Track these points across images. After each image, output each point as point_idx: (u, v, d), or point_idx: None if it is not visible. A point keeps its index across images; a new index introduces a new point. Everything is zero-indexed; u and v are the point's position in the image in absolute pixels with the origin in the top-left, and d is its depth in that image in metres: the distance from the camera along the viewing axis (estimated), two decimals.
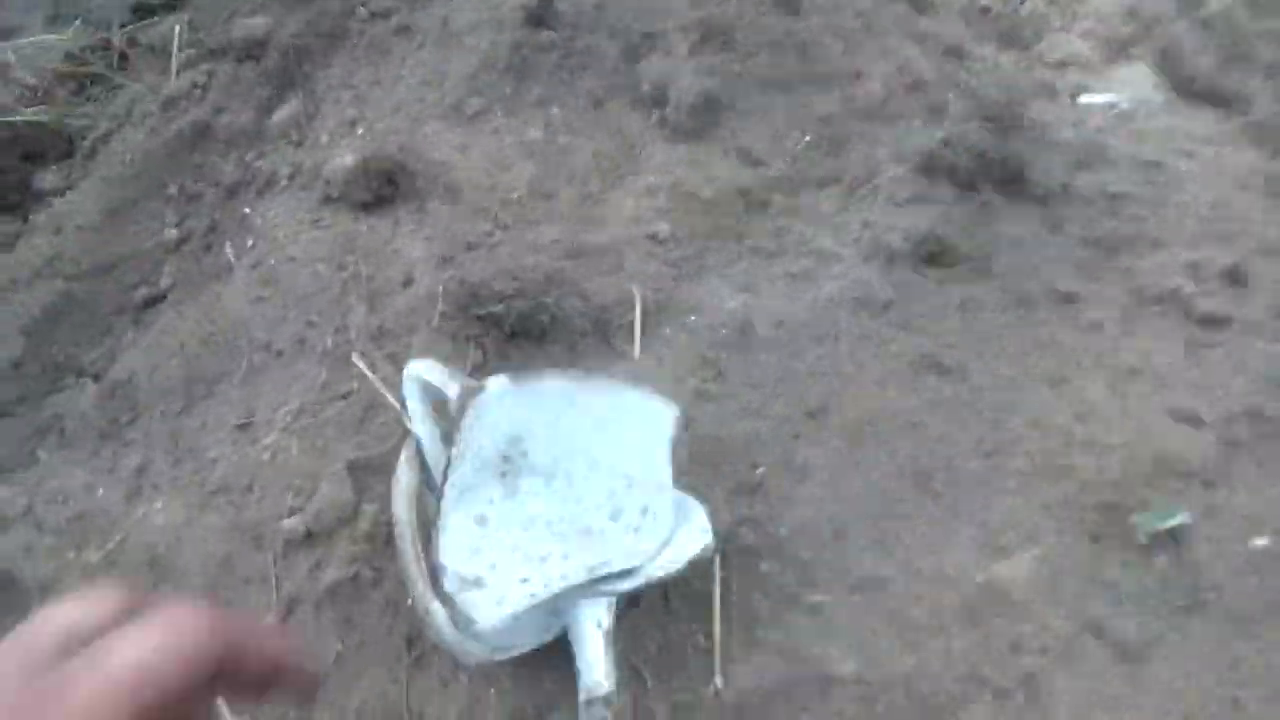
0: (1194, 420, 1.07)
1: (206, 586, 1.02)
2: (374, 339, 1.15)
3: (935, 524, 0.99)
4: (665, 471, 0.91)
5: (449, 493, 0.87)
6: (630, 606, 0.94)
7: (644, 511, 0.92)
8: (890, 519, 0.99)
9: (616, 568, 0.86)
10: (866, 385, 1.10)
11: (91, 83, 2.28)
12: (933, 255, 1.29)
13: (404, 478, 0.85)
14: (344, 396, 1.11)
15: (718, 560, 0.96)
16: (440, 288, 1.15)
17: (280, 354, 1.19)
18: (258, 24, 1.96)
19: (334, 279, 1.29)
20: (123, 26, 2.37)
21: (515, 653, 0.88)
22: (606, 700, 0.83)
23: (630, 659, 0.92)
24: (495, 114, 1.53)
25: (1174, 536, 0.98)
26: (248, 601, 1.00)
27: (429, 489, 0.88)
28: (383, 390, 1.07)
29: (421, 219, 1.38)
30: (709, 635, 0.93)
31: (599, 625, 0.85)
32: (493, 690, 0.92)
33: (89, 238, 1.77)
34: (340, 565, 0.98)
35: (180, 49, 2.13)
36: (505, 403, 0.89)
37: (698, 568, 0.89)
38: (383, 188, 1.41)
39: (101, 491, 1.11)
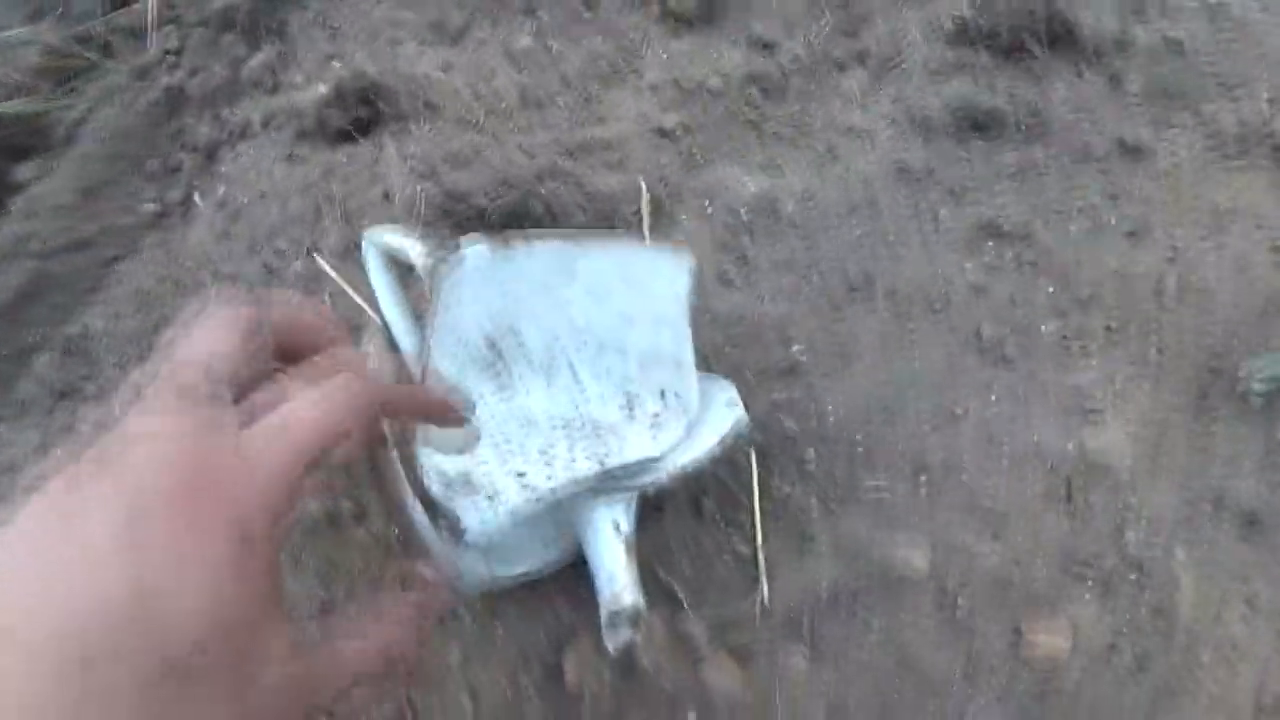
0: None
1: None
2: (344, 257, 1.02)
3: (1009, 394, 0.83)
4: (685, 344, 0.77)
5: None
6: (654, 511, 0.79)
7: (662, 396, 0.77)
8: (955, 392, 0.84)
9: (633, 458, 0.72)
10: (914, 256, 0.95)
11: (75, 75, 2.19)
12: (977, 124, 1.13)
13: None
14: None
15: (754, 454, 0.81)
16: (420, 195, 1.02)
17: (249, 286, 1.07)
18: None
19: (307, 208, 1.16)
20: (104, 15, 2.28)
21: (520, 573, 0.74)
22: (632, 616, 0.68)
23: (661, 577, 0.78)
24: (480, 26, 1.39)
25: None
26: None
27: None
28: (349, 290, 0.94)
29: (404, 140, 1.25)
30: (750, 540, 0.79)
31: (618, 530, 0.70)
32: (499, 626, 0.78)
33: (64, 217, 1.67)
34: (316, 501, 0.84)
35: (158, 25, 2.04)
36: (488, 276, 0.74)
37: (730, 452, 0.74)
38: (360, 112, 1.29)
39: (59, 451, 0.98)
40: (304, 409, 0.37)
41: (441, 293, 0.72)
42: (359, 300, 0.94)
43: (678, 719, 0.73)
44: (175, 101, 1.76)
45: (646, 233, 1.00)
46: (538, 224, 0.98)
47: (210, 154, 1.61)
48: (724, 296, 0.93)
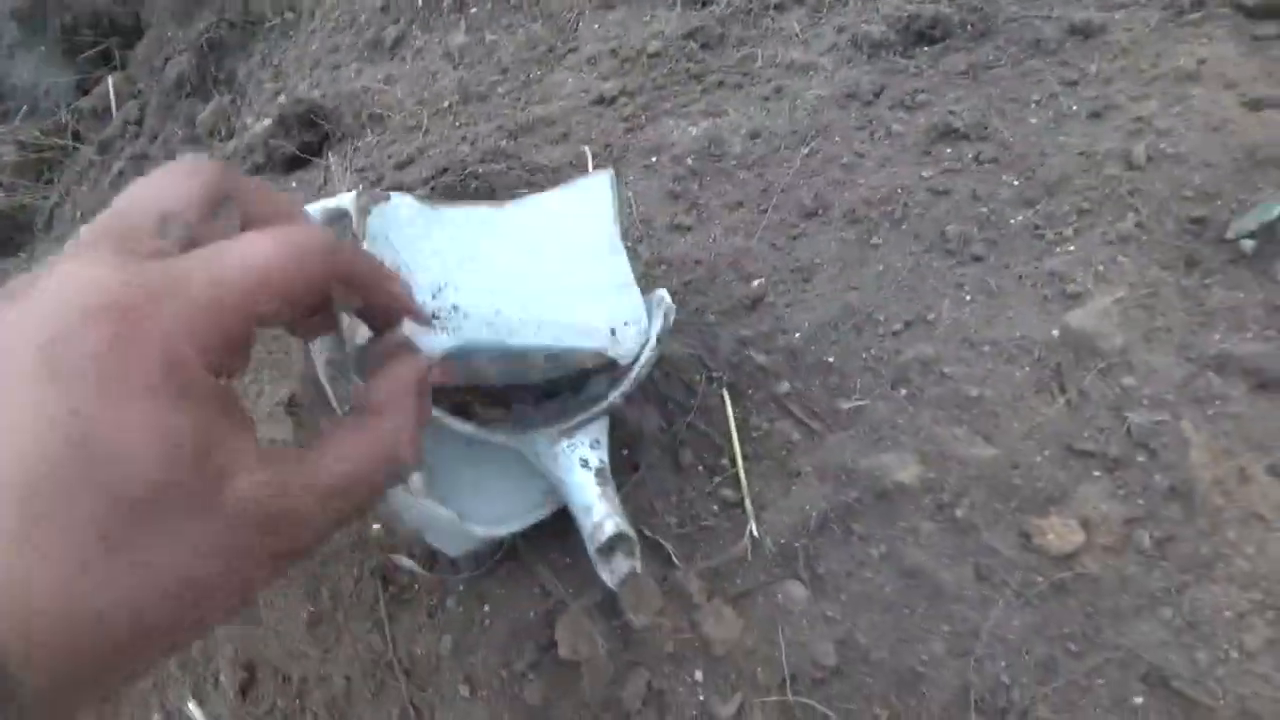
0: (1278, 104, 0.86)
1: None
2: None
3: (983, 290, 0.79)
4: (622, 264, 0.73)
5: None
6: (632, 472, 0.75)
7: (613, 333, 0.74)
8: (925, 296, 0.79)
9: (586, 344, 0.69)
10: (871, 171, 0.91)
11: (51, 166, 2.22)
12: (923, 35, 1.09)
13: (319, 346, 0.68)
14: (275, 336, 0.96)
15: (726, 396, 0.77)
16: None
17: None
18: (189, 60, 1.87)
19: None
20: (69, 106, 2.31)
21: (500, 532, 0.70)
22: (619, 544, 0.64)
23: (647, 536, 0.74)
24: (415, 34, 1.38)
25: None
26: None
27: (342, 370, 0.71)
28: None
29: (352, 157, 1.24)
30: (734, 483, 0.74)
31: (586, 465, 0.67)
32: (486, 606, 0.74)
33: None
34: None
35: (120, 103, 2.06)
36: (421, 233, 0.72)
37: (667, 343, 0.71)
38: (306, 136, 1.28)
39: None
40: (257, 238, 0.31)
41: (370, 231, 0.69)
42: None
43: (683, 676, 0.69)
44: (140, 169, 1.77)
45: None
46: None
47: None
48: (678, 243, 0.89)
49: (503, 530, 0.70)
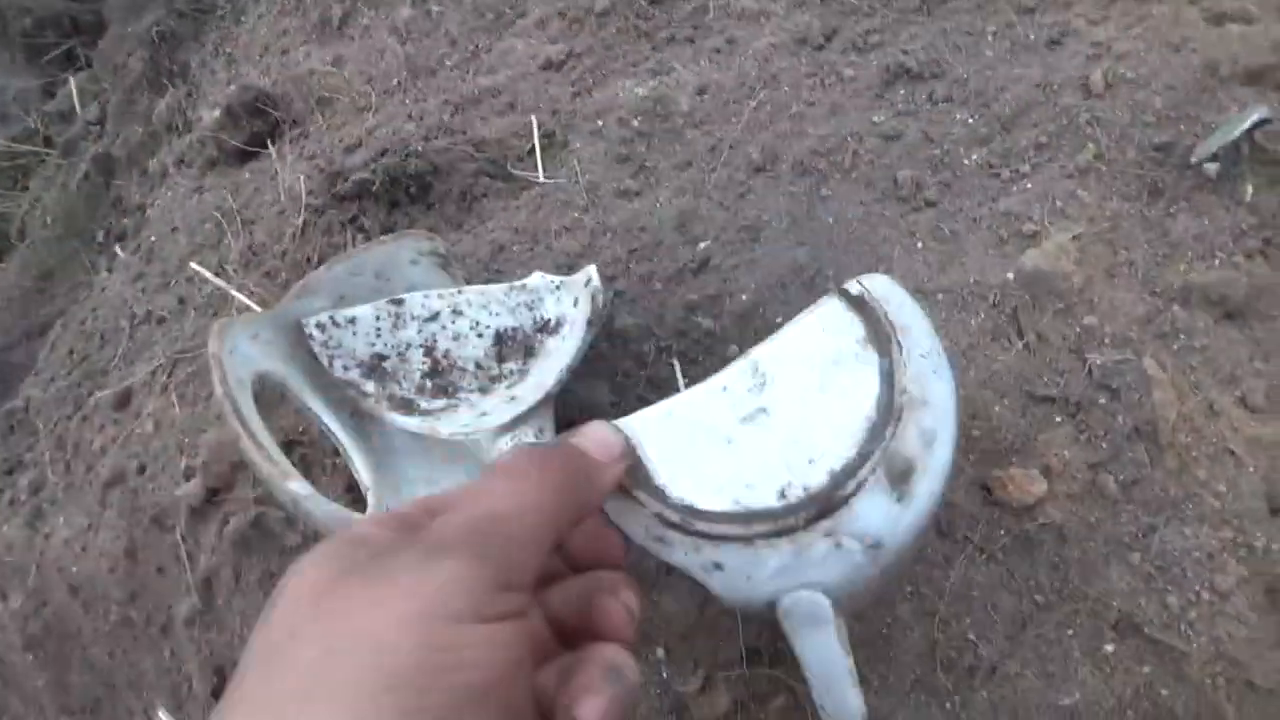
0: (1243, 17, 0.81)
1: (119, 589, 0.86)
2: (247, 263, 0.98)
3: (935, 236, 0.76)
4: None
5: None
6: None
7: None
8: (877, 245, 0.76)
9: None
10: (821, 119, 0.87)
11: (24, 173, 2.20)
12: None
13: (229, 366, 0.64)
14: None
15: (677, 365, 0.75)
16: (302, 185, 0.97)
17: (161, 320, 1.03)
18: (141, 54, 1.83)
19: (211, 232, 1.12)
20: (37, 110, 2.28)
21: None
22: None
23: None
24: (361, 10, 1.34)
25: (1255, 150, 0.72)
26: (162, 591, 0.84)
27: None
28: (231, 291, 0.89)
29: (303, 144, 1.21)
30: None
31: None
32: None
33: (23, 306, 1.67)
34: (244, 512, 0.80)
35: (85, 103, 2.03)
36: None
37: (603, 319, 0.68)
38: (255, 126, 1.24)
39: (5, 528, 0.96)
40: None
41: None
42: (241, 298, 0.90)
43: (645, 655, 0.67)
44: (105, 168, 1.74)
45: (540, 166, 0.94)
46: (422, 182, 0.92)
47: (142, 208, 1.59)
48: (624, 209, 0.86)
49: None
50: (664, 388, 0.74)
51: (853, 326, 0.55)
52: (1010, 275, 0.71)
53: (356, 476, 0.70)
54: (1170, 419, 0.65)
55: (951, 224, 0.75)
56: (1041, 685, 0.61)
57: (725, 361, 0.73)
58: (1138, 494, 0.63)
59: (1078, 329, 0.69)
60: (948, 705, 0.61)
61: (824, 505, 0.49)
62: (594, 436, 0.35)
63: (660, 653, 0.67)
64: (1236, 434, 0.64)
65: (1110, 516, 0.63)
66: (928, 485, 0.50)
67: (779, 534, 0.49)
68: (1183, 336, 0.68)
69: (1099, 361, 0.67)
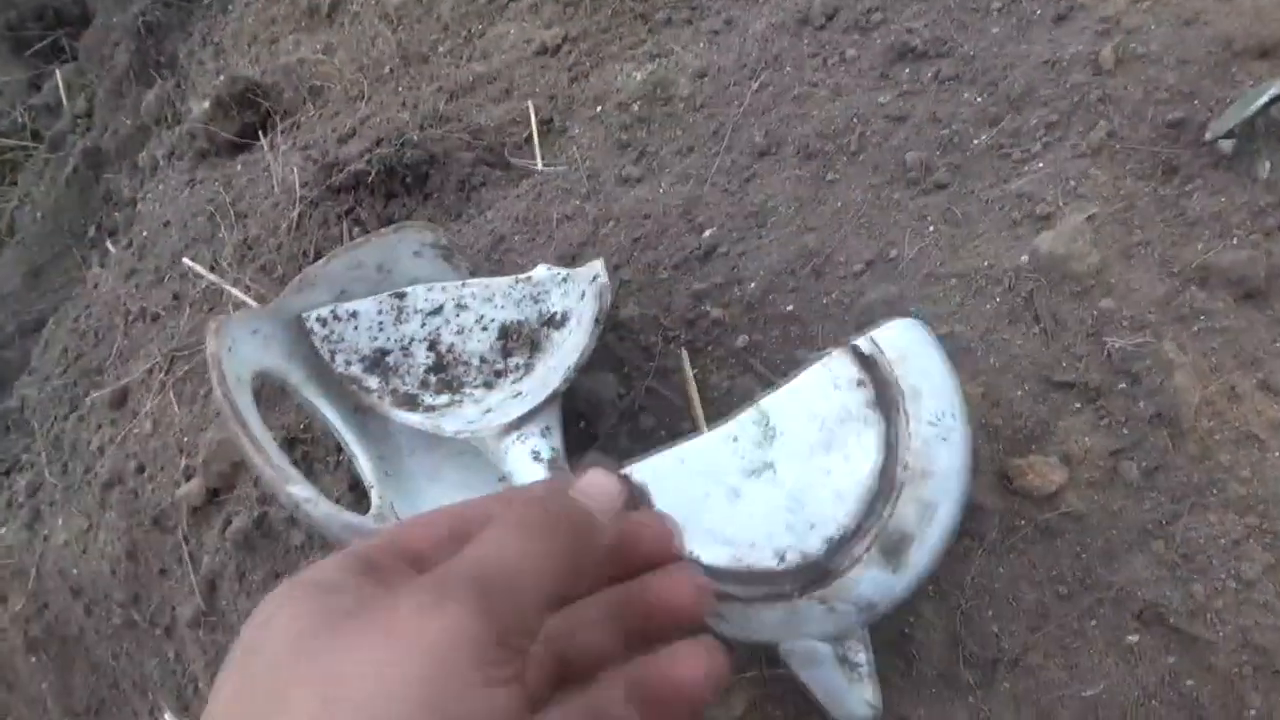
0: None
1: (121, 590, 0.84)
2: (241, 258, 0.96)
3: (947, 220, 0.74)
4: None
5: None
6: (590, 439, 0.72)
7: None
8: (886, 229, 0.75)
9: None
10: (825, 101, 0.85)
11: (12, 167, 2.17)
12: None
13: (225, 363, 0.63)
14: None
15: (685, 355, 0.73)
16: (295, 177, 0.95)
17: (156, 317, 1.01)
18: (128, 45, 1.80)
19: (205, 225, 1.10)
20: (23, 104, 2.25)
21: None
22: None
23: None
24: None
25: (1271, 126, 0.71)
26: (165, 592, 0.82)
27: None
28: (226, 286, 0.87)
29: (295, 135, 1.19)
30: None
31: (537, 457, 0.63)
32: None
33: (15, 303, 1.65)
34: (248, 511, 0.79)
35: (71, 98, 2.00)
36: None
37: (607, 316, 0.66)
38: (246, 117, 1.22)
39: (4, 530, 0.95)
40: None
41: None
42: (237, 293, 0.88)
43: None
44: (94, 162, 1.71)
45: (538, 154, 0.92)
46: (418, 172, 0.90)
47: (135, 203, 1.57)
48: (626, 197, 0.84)
49: None
50: (673, 378, 0.73)
51: (861, 386, 0.55)
52: (1024, 258, 0.69)
53: (359, 473, 0.69)
54: (1192, 403, 0.63)
55: (963, 206, 0.73)
56: (1064, 676, 0.60)
57: (734, 352, 0.72)
58: (1160, 481, 0.62)
59: (1095, 312, 0.67)
60: (970, 699, 0.60)
61: (818, 575, 0.51)
62: (597, 491, 0.33)
63: None
64: (1260, 417, 0.63)
65: (1132, 504, 0.62)
66: (924, 552, 0.51)
67: (774, 598, 0.51)
68: (1202, 318, 0.66)
69: (1117, 345, 0.66)
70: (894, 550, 0.51)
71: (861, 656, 0.56)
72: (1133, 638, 0.60)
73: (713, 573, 0.53)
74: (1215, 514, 0.61)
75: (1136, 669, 0.60)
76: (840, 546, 0.51)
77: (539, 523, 0.30)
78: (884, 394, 0.54)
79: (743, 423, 0.57)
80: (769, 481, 0.55)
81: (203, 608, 0.81)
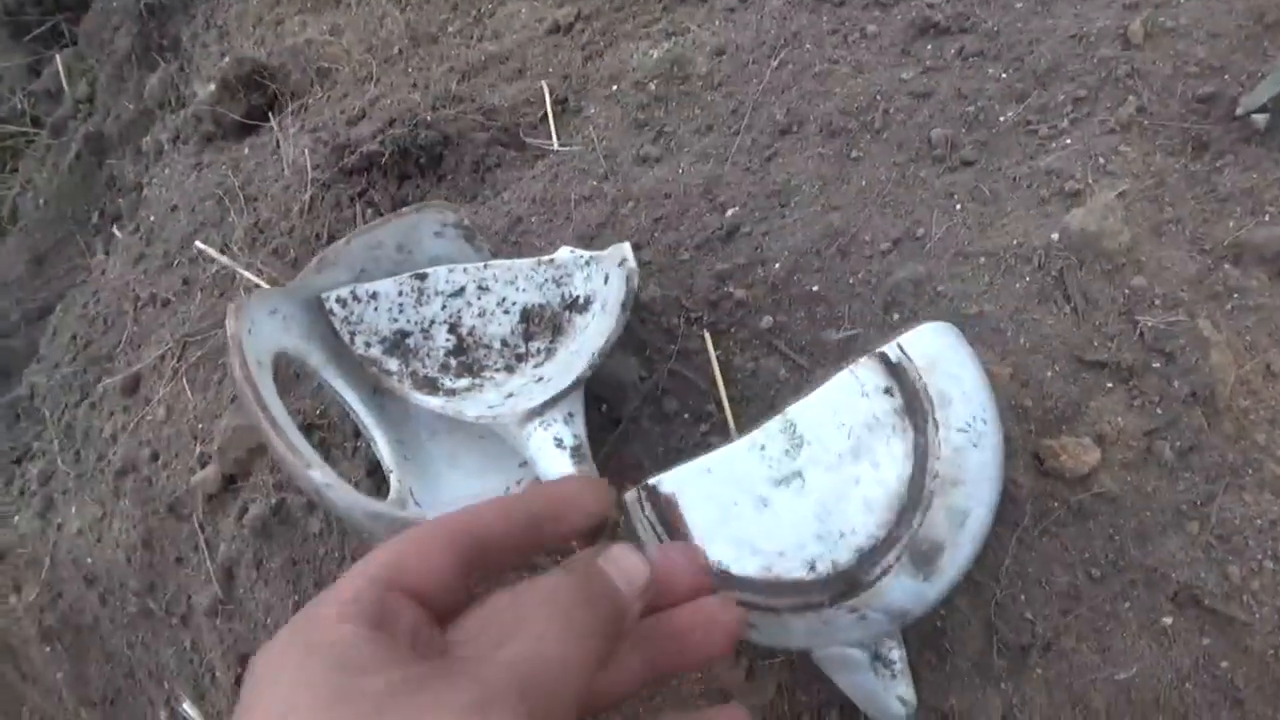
0: None
1: (137, 579, 0.84)
2: (253, 241, 0.95)
3: (974, 198, 0.73)
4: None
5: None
6: (613, 425, 0.71)
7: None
8: (913, 208, 0.73)
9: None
10: (846, 78, 0.84)
11: (13, 154, 2.15)
12: None
13: (245, 344, 0.62)
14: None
15: (708, 337, 0.72)
16: (307, 159, 0.93)
17: (166, 302, 1.00)
18: (130, 28, 1.78)
19: (213, 209, 1.09)
20: (24, 90, 2.23)
21: None
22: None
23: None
24: None
25: None
26: (181, 581, 0.82)
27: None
28: (239, 269, 0.86)
29: (304, 117, 1.17)
30: (724, 429, 0.70)
31: (560, 444, 0.62)
32: None
33: (19, 290, 1.64)
34: (265, 498, 0.78)
35: (72, 83, 1.98)
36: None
37: (631, 300, 0.65)
38: (253, 99, 1.21)
39: (17, 519, 0.94)
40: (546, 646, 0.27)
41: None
42: (250, 277, 0.87)
43: None
44: (97, 148, 1.70)
45: (554, 134, 0.91)
46: (432, 153, 0.89)
47: (141, 188, 1.55)
48: (646, 176, 0.83)
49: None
50: (696, 360, 0.72)
51: (889, 394, 0.55)
52: (1055, 236, 0.68)
53: (379, 457, 0.68)
54: (1227, 382, 0.62)
55: (990, 184, 0.72)
56: (1098, 660, 0.59)
57: (758, 333, 0.71)
58: (1195, 461, 0.61)
59: (1126, 290, 0.66)
60: (1003, 686, 0.59)
61: (849, 585, 0.51)
62: (624, 568, 0.31)
63: None
64: None
65: (1167, 485, 0.61)
66: (957, 559, 0.51)
67: (805, 608, 0.52)
68: (1236, 296, 0.65)
69: (1150, 324, 0.65)
70: (925, 559, 0.50)
71: (895, 654, 0.56)
72: (1167, 619, 0.59)
73: (743, 583, 0.53)
74: (1251, 494, 0.60)
75: (1171, 651, 0.59)
76: (870, 556, 0.51)
77: (572, 603, 0.28)
78: (912, 402, 0.53)
79: (770, 431, 0.57)
80: (797, 491, 0.55)
81: (220, 596, 0.80)
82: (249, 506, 0.79)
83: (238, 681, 0.81)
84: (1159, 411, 0.63)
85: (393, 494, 0.64)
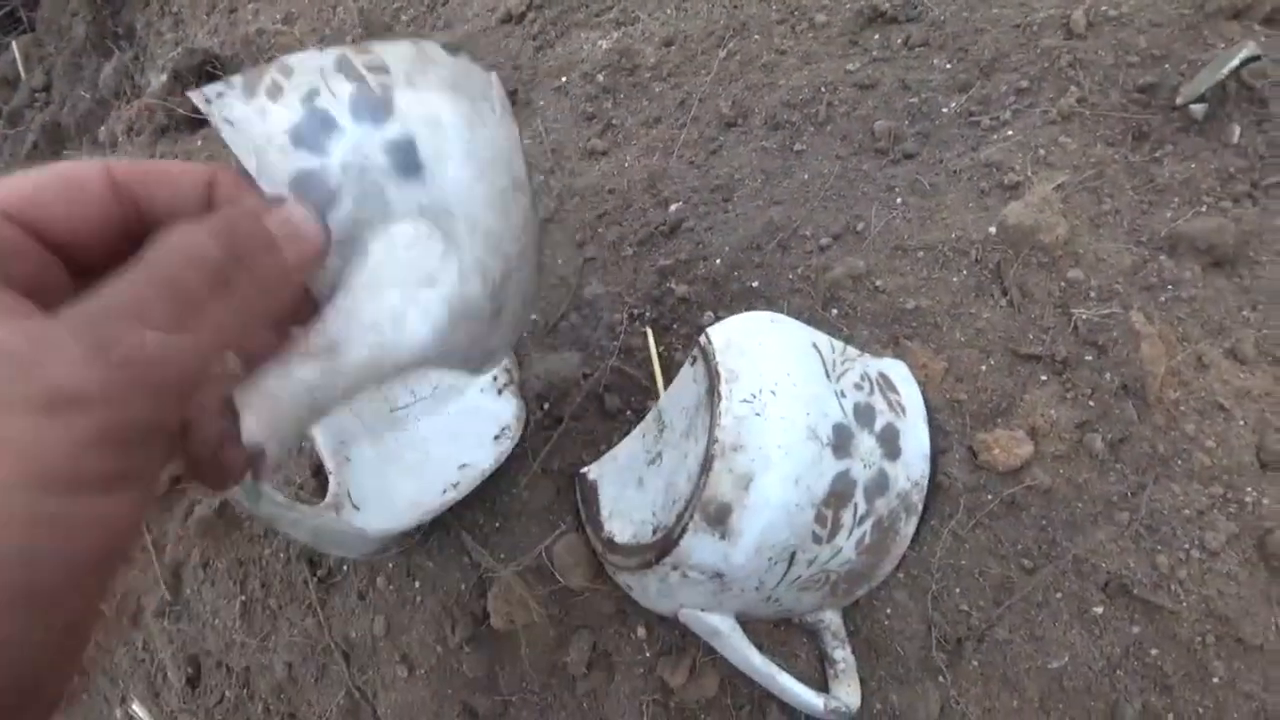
0: None
1: None
2: None
3: (915, 190, 0.73)
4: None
5: None
6: (555, 423, 0.71)
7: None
8: (854, 201, 0.73)
9: None
10: (793, 69, 0.84)
11: None
12: None
13: None
14: None
15: (650, 334, 0.72)
16: None
17: None
18: (85, 15, 1.75)
19: None
20: None
21: (398, 527, 0.65)
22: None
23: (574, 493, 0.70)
24: None
25: (1242, 89, 0.70)
26: (131, 582, 0.81)
27: None
28: None
29: None
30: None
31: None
32: (417, 583, 0.71)
33: None
34: (209, 499, 0.78)
35: (29, 71, 1.94)
36: None
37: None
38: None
39: None
40: (154, 270, 0.22)
41: None
42: None
43: (628, 632, 0.66)
44: (54, 138, 1.67)
45: None
46: None
47: None
48: (591, 171, 0.83)
49: (400, 525, 0.65)
50: (638, 356, 0.72)
51: (703, 377, 0.60)
52: (992, 229, 0.68)
53: (320, 459, 0.68)
54: (1158, 374, 0.63)
55: (931, 177, 0.72)
56: (1030, 649, 0.60)
57: (699, 329, 0.71)
58: (1126, 452, 0.62)
59: (1062, 283, 0.66)
60: (941, 679, 0.59)
61: (664, 544, 0.56)
62: (290, 219, 0.26)
63: (641, 632, 0.65)
64: (1226, 386, 0.63)
65: (1098, 476, 0.62)
66: (751, 519, 0.53)
67: (644, 567, 0.57)
68: (1170, 287, 0.66)
69: (1085, 316, 0.65)
70: (715, 518, 0.53)
71: (839, 654, 0.58)
72: (1098, 609, 0.60)
73: (620, 548, 0.61)
74: (1180, 484, 0.61)
75: (1101, 640, 0.60)
76: (677, 518, 0.55)
77: (202, 280, 0.23)
78: (712, 380, 0.57)
79: (647, 420, 0.65)
80: (657, 469, 0.62)
81: (168, 598, 0.80)
82: (194, 507, 0.78)
83: (188, 681, 0.81)
84: (1091, 404, 0.63)
85: (329, 496, 0.64)
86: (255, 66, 0.31)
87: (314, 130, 0.29)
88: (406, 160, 0.30)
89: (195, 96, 0.30)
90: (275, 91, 0.29)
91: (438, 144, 0.30)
